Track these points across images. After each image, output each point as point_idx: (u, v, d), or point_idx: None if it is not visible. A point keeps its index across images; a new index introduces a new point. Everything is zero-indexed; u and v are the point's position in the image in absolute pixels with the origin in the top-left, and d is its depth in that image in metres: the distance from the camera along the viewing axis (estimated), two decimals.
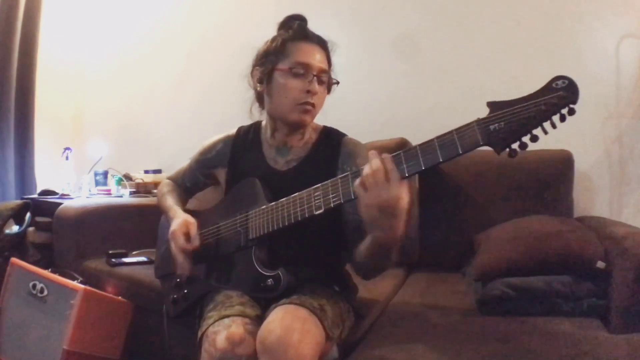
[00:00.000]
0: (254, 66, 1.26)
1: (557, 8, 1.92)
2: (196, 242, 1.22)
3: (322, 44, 1.23)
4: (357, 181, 0.93)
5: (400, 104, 2.20)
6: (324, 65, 1.20)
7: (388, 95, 2.23)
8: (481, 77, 2.03)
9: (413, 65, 2.17)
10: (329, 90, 1.25)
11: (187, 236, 1.22)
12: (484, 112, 0.87)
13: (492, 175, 1.77)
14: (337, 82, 1.24)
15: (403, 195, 0.90)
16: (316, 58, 1.19)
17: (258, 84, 1.25)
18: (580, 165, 1.78)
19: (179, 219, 1.25)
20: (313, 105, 1.19)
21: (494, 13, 2.03)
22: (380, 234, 0.96)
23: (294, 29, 1.22)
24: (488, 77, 2.01)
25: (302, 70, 1.17)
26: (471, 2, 2.08)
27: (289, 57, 1.19)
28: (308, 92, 1.17)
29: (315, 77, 1.17)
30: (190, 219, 1.25)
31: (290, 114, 1.19)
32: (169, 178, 1.50)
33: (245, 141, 1.32)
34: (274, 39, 1.24)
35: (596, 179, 1.88)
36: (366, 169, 0.92)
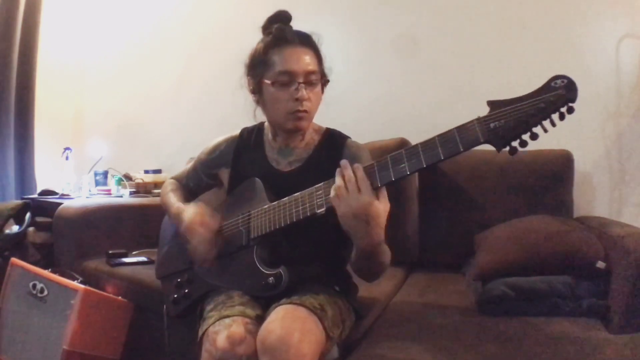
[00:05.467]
0: (246, 76, 1.25)
1: (557, 8, 1.92)
2: (215, 223, 1.20)
3: (304, 42, 1.18)
4: (332, 192, 0.97)
5: (400, 104, 2.20)
6: (311, 66, 1.16)
7: (388, 95, 2.23)
8: (481, 77, 2.03)
9: (413, 65, 2.17)
10: (323, 88, 1.23)
11: (205, 225, 1.20)
12: (484, 111, 0.88)
13: (492, 175, 1.77)
14: (327, 81, 1.22)
15: (374, 202, 0.94)
16: (300, 62, 1.15)
17: (252, 94, 1.25)
18: (580, 165, 1.78)
19: (189, 212, 1.23)
20: (306, 111, 1.17)
21: (494, 13, 2.03)
22: (359, 240, 1.00)
23: (273, 34, 1.18)
24: (488, 77, 2.02)
25: (287, 78, 1.15)
26: (471, 2, 2.08)
27: (272, 67, 1.16)
28: (297, 100, 1.15)
29: (301, 84, 1.14)
30: (201, 207, 1.24)
31: (284, 123, 1.19)
32: (172, 178, 1.48)
33: (248, 142, 1.32)
34: (256, 49, 1.22)
35: (596, 179, 1.88)
36: (338, 180, 0.96)
